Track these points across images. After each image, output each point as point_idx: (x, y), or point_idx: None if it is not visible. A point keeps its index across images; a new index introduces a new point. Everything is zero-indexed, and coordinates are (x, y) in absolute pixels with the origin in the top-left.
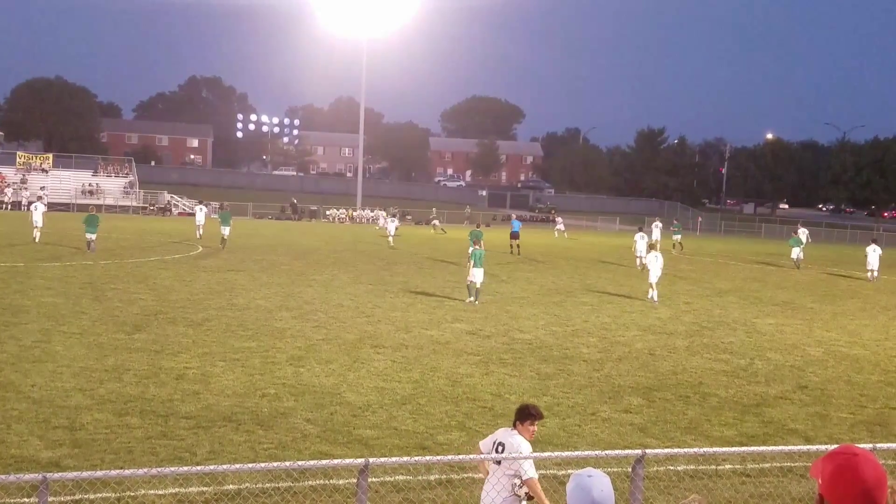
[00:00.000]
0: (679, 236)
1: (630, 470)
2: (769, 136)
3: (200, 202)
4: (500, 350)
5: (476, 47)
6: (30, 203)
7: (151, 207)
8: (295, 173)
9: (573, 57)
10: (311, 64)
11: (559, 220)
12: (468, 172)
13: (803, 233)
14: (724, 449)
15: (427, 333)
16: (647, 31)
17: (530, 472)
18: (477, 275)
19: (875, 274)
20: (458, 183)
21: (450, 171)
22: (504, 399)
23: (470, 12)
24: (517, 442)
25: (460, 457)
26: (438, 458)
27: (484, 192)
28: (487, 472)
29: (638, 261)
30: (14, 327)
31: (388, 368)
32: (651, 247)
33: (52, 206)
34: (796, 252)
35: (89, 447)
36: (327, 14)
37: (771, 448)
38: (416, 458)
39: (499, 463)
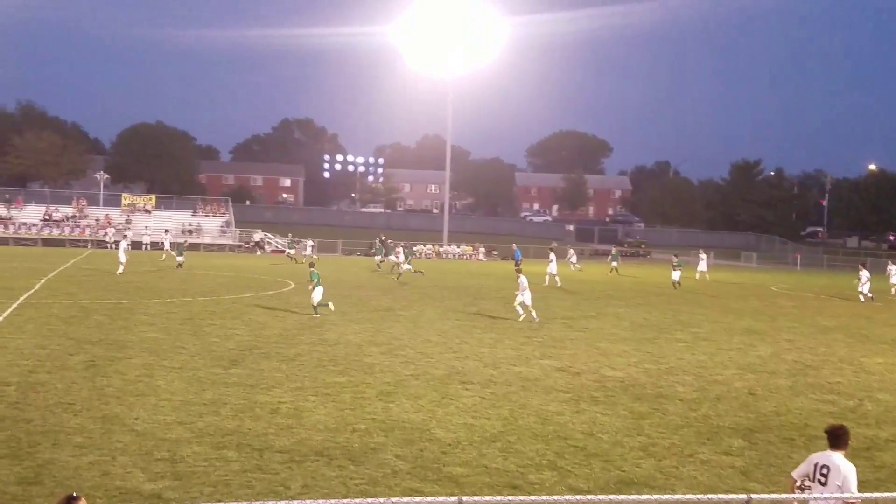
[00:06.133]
0: (616, 262)
1: None
2: (872, 166)
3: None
4: (590, 387)
5: (562, 82)
6: (116, 242)
7: (246, 245)
8: (383, 210)
9: (661, 89)
10: (398, 103)
11: (571, 251)
12: (555, 207)
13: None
14: (835, 494)
15: (515, 370)
16: (739, 61)
17: (856, 493)
18: (317, 293)
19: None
20: (545, 218)
21: (536, 206)
22: (596, 438)
23: (555, 47)
24: (842, 463)
25: (554, 497)
26: (532, 498)
27: (571, 227)
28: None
29: (547, 278)
30: (119, 362)
31: (476, 405)
32: (518, 271)
33: (154, 245)
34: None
35: (189, 479)
36: (414, 54)
37: (885, 494)
38: (510, 498)
39: (824, 484)
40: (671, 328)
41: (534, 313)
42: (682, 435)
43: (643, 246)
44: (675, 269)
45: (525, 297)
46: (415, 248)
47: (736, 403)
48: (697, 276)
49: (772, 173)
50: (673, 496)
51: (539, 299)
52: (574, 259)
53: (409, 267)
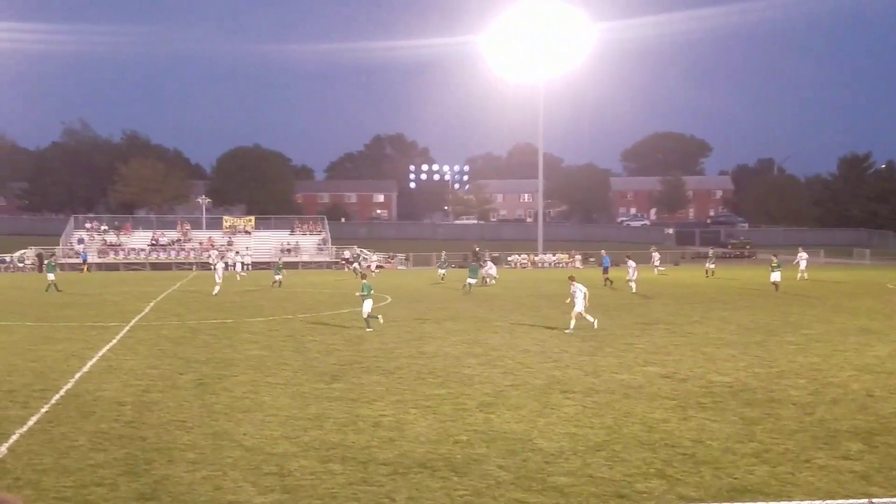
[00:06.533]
0: (712, 265)
1: None
2: None
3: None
4: (697, 394)
5: (654, 84)
6: (214, 264)
7: (342, 262)
8: (476, 221)
9: (761, 86)
10: (488, 113)
11: (656, 255)
12: (653, 211)
13: None
14: None
15: (617, 377)
16: (841, 52)
17: None
18: (367, 305)
19: None
20: (643, 222)
21: (633, 211)
22: (706, 445)
23: (645, 51)
24: None
25: None
26: None
27: (671, 230)
28: None
29: (632, 285)
30: (226, 379)
31: (578, 414)
32: (571, 278)
33: (255, 265)
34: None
35: (297, 493)
36: (503, 62)
37: None
38: None
39: None
40: (781, 330)
41: (572, 324)
42: (797, 440)
43: (748, 247)
44: (774, 271)
45: (578, 306)
46: (509, 258)
47: (854, 406)
48: (800, 276)
49: (882, 166)
50: (791, 502)
51: (637, 306)
52: (658, 262)
53: (473, 281)
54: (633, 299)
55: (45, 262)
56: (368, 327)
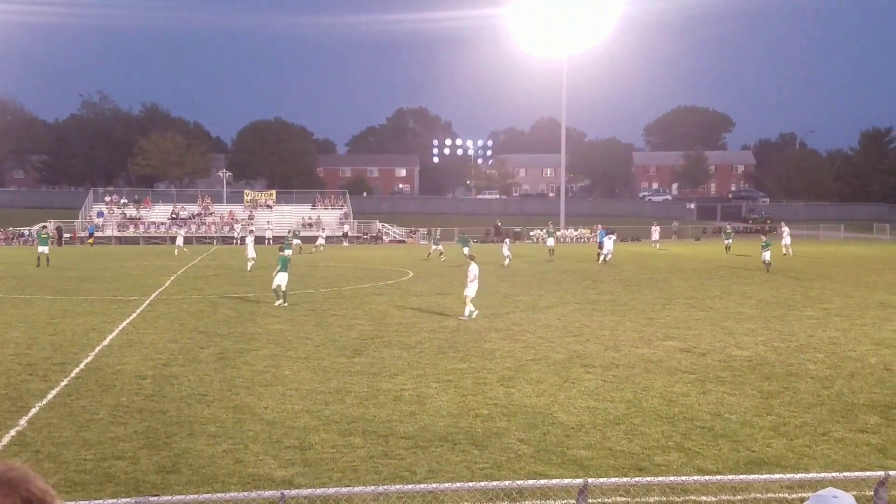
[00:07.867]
0: (730, 240)
1: (872, 493)
2: None
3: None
4: (716, 368)
5: (678, 58)
6: (242, 238)
7: (364, 236)
8: (498, 196)
9: (784, 60)
10: (512, 88)
11: (654, 228)
12: (674, 186)
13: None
14: None
15: (638, 352)
16: (864, 26)
17: None
18: (281, 278)
19: None
20: (664, 197)
21: (655, 185)
22: (724, 419)
23: (669, 23)
24: None
25: (682, 478)
26: (659, 479)
27: (692, 205)
28: None
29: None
30: (247, 353)
31: (599, 388)
32: (471, 257)
33: (276, 240)
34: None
35: (318, 466)
36: (527, 36)
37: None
38: (636, 479)
39: None
40: (800, 305)
41: (470, 308)
42: (815, 413)
43: (768, 222)
44: (765, 250)
45: (470, 288)
46: (531, 233)
47: (871, 380)
48: (784, 250)
49: None
50: (806, 475)
51: (660, 280)
52: (656, 237)
53: (466, 250)
54: (653, 273)
55: (38, 234)
56: (283, 301)
